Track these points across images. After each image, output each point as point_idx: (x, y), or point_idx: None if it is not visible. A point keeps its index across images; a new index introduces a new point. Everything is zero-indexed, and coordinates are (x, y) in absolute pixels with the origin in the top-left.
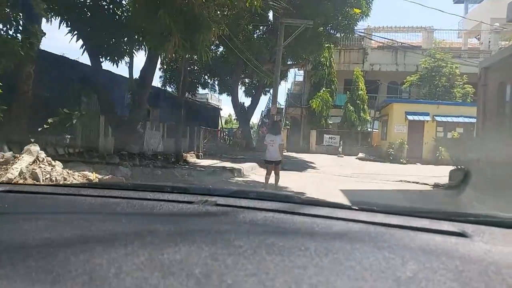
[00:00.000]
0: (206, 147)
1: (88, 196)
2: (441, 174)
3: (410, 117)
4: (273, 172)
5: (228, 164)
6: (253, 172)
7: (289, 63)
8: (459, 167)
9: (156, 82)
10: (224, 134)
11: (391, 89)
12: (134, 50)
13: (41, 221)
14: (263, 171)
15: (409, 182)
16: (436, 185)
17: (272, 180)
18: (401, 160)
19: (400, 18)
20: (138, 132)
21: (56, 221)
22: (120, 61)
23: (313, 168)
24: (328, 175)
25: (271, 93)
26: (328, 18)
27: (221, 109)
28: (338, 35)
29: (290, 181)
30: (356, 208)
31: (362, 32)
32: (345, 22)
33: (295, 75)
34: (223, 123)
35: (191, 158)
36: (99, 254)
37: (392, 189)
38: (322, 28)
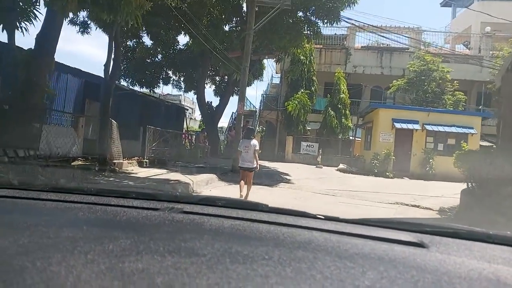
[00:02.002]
0: (157, 153)
1: (48, 200)
2: (437, 192)
3: (397, 125)
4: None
5: (175, 176)
6: (208, 188)
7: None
8: (471, 185)
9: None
10: (191, 138)
11: (375, 94)
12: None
13: None
14: (224, 185)
15: (407, 205)
16: (442, 210)
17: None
18: (387, 173)
19: (385, 19)
20: (31, 127)
21: (12, 227)
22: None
23: (288, 181)
24: (306, 193)
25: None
26: None
27: (187, 109)
28: (320, 23)
29: (256, 199)
30: (322, 217)
31: (348, 20)
32: (329, 5)
33: (272, 76)
34: (197, 127)
35: (130, 166)
36: (57, 262)
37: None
38: (302, 13)
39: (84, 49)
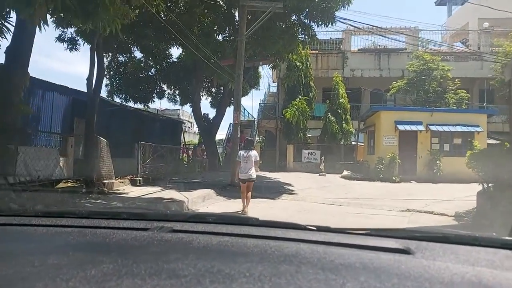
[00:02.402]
0: (151, 170)
1: (39, 226)
2: (448, 195)
3: (400, 127)
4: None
5: (170, 194)
6: (205, 204)
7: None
8: (487, 186)
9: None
10: (189, 152)
11: (374, 97)
12: None
13: None
14: (222, 201)
15: (420, 212)
16: (458, 215)
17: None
18: (393, 178)
19: (381, 18)
20: (5, 149)
21: None
22: None
23: (291, 192)
24: (311, 203)
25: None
26: (302, 0)
27: (184, 123)
28: (315, 25)
29: (256, 214)
30: (313, 228)
31: (343, 20)
32: (323, 6)
33: (269, 85)
34: (197, 141)
35: (121, 185)
36: None
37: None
38: (295, 16)
39: (79, 69)
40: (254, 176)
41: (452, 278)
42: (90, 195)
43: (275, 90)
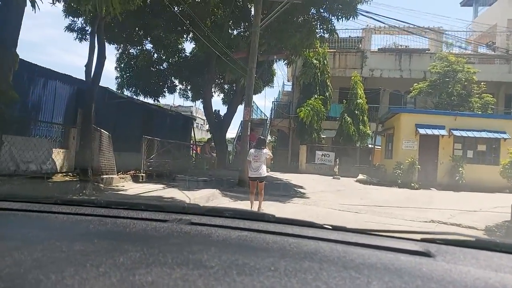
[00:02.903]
0: (156, 165)
1: (59, 213)
2: (474, 206)
3: (421, 131)
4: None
5: (171, 193)
6: (208, 205)
7: (271, 56)
8: None
9: (111, 83)
10: (198, 149)
11: (394, 99)
12: None
13: (11, 241)
14: (227, 202)
15: (445, 223)
16: (489, 229)
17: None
18: (412, 184)
19: (404, 15)
20: None
21: (26, 241)
22: None
23: (302, 195)
24: (324, 209)
25: (254, 102)
26: None
27: (195, 119)
28: (334, 20)
29: None
30: (329, 227)
31: (365, 13)
32: None
33: (283, 84)
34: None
35: (122, 181)
36: (70, 275)
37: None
38: (314, 9)
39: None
40: (264, 174)
41: (475, 283)
42: (84, 191)
43: (289, 89)
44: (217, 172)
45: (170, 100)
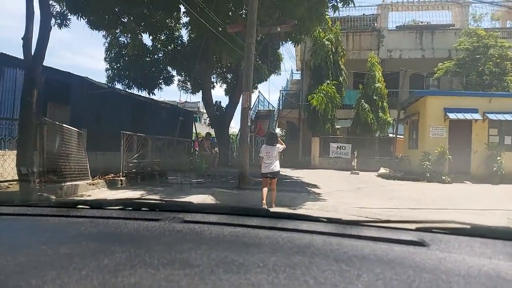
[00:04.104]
0: (142, 166)
1: (51, 216)
2: None
3: (451, 115)
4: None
5: (150, 201)
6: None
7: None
8: None
9: (100, 77)
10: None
11: (414, 81)
12: None
13: None
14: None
15: None
16: None
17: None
18: (443, 177)
19: None
20: None
21: (12, 246)
22: None
23: (317, 197)
24: (346, 216)
25: (259, 92)
26: None
27: (196, 114)
28: None
29: None
30: (324, 219)
31: None
32: None
33: (292, 72)
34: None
35: (93, 188)
36: (51, 279)
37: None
38: None
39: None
40: (277, 169)
41: (469, 271)
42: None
43: (298, 78)
44: (217, 171)
45: (172, 95)
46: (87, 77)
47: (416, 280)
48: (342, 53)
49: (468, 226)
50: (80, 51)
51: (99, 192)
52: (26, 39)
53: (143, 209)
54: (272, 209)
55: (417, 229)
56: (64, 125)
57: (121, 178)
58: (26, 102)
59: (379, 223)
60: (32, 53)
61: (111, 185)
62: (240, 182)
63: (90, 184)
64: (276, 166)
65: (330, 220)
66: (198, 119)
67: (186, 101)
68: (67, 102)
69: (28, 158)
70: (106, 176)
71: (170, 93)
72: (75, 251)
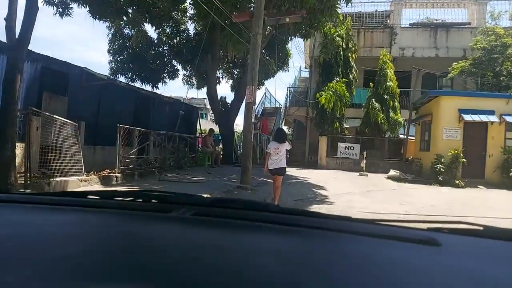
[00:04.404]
0: (141, 163)
1: (61, 205)
2: None
3: (466, 117)
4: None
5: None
6: None
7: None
8: None
9: (103, 69)
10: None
11: (427, 81)
12: None
13: None
14: None
15: None
16: None
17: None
18: (456, 181)
19: None
20: None
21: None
22: None
23: (324, 200)
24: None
25: (266, 88)
26: None
27: (201, 110)
28: None
29: None
30: (334, 217)
31: None
32: None
33: (300, 69)
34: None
35: (85, 184)
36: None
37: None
38: None
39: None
40: (284, 166)
41: (480, 273)
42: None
43: (307, 75)
44: (219, 170)
45: (179, 91)
46: (86, 68)
47: (426, 280)
48: (353, 48)
49: (481, 228)
50: (92, 46)
51: (91, 189)
52: (9, 20)
53: (153, 201)
54: (282, 206)
55: (429, 229)
56: (55, 116)
57: (117, 174)
58: (8, 89)
59: (389, 221)
60: (17, 36)
61: (106, 181)
62: (242, 181)
63: (82, 181)
64: (283, 163)
65: (340, 218)
66: (205, 115)
67: (193, 98)
68: (65, 93)
69: (9, 150)
70: (102, 172)
71: (177, 89)
72: (85, 239)
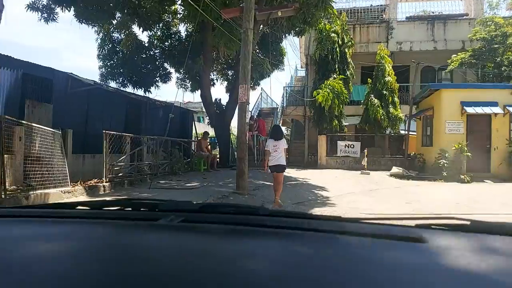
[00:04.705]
0: (131, 170)
1: (50, 217)
2: None
3: (469, 109)
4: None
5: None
6: None
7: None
8: None
9: (93, 75)
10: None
11: (425, 75)
12: None
13: None
14: None
15: None
16: None
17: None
18: (461, 176)
19: None
20: None
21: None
22: None
23: (325, 201)
24: None
25: (262, 89)
26: None
27: (196, 113)
28: None
29: None
30: (323, 217)
31: None
32: None
33: (296, 68)
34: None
35: (69, 196)
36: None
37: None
38: None
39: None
40: (283, 162)
41: (468, 267)
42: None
43: (303, 74)
44: (214, 175)
45: (174, 95)
46: (71, 73)
47: (414, 276)
48: (349, 43)
49: (468, 222)
50: (80, 52)
51: (75, 200)
52: None
53: (142, 209)
54: (272, 208)
55: (417, 226)
56: (33, 124)
57: (104, 184)
58: None
59: (378, 220)
60: None
61: (92, 192)
62: (238, 186)
63: (65, 192)
64: (282, 160)
65: (329, 218)
66: (202, 119)
67: (189, 101)
68: (49, 100)
69: None
70: (92, 182)
71: (172, 93)
72: (75, 249)
